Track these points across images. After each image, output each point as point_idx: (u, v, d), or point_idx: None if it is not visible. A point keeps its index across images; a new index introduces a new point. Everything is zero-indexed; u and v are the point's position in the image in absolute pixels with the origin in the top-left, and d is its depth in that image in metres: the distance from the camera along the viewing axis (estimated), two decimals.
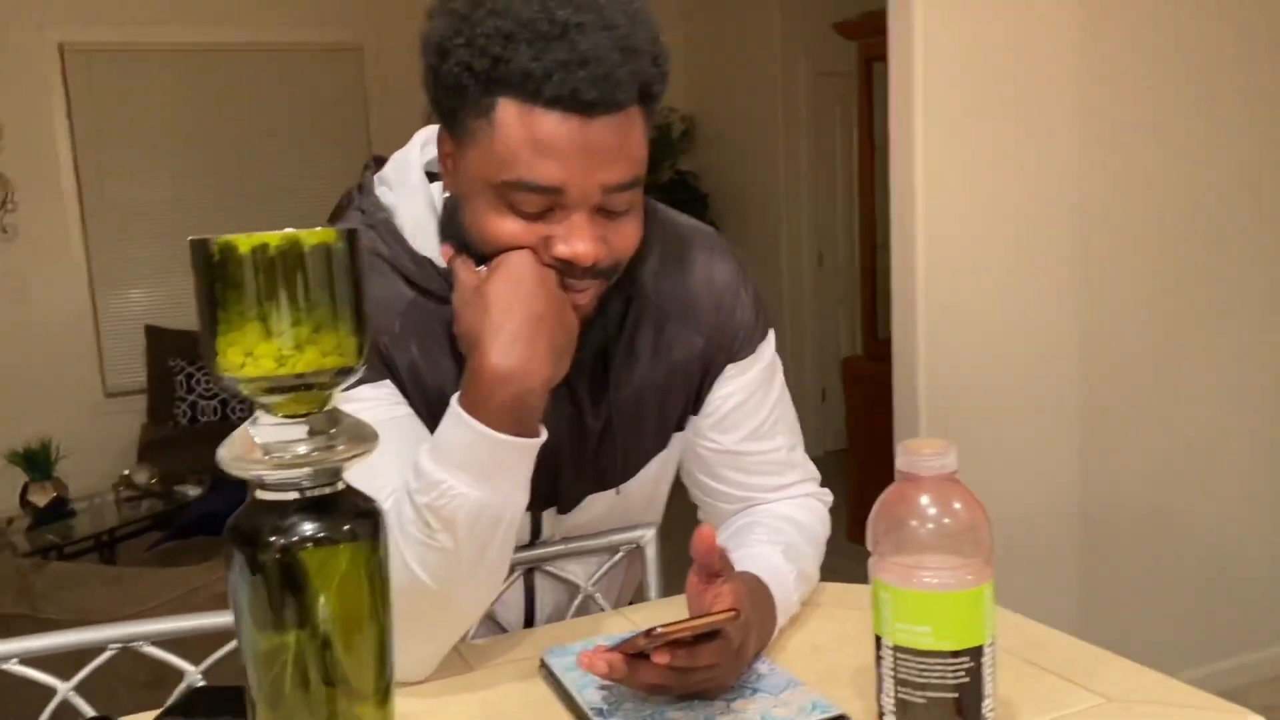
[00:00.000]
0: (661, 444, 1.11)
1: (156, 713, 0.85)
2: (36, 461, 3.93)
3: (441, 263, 0.98)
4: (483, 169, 0.89)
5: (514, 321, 0.88)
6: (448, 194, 0.98)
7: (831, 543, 1.16)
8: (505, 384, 0.87)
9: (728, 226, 5.54)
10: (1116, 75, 2.63)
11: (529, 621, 1.18)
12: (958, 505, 0.76)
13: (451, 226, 0.97)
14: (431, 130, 1.03)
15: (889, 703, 0.78)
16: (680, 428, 1.12)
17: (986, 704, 0.77)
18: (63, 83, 4.90)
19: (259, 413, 0.62)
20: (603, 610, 1.18)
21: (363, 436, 0.64)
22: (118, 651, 1.01)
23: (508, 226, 0.90)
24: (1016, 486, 2.68)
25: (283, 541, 0.62)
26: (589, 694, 0.89)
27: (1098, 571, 2.79)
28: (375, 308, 0.97)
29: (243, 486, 0.64)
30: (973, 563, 0.76)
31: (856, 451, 4.37)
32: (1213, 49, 2.72)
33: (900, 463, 0.77)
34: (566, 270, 0.91)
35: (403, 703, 0.89)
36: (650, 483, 1.14)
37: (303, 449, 0.61)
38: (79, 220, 4.98)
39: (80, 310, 5.01)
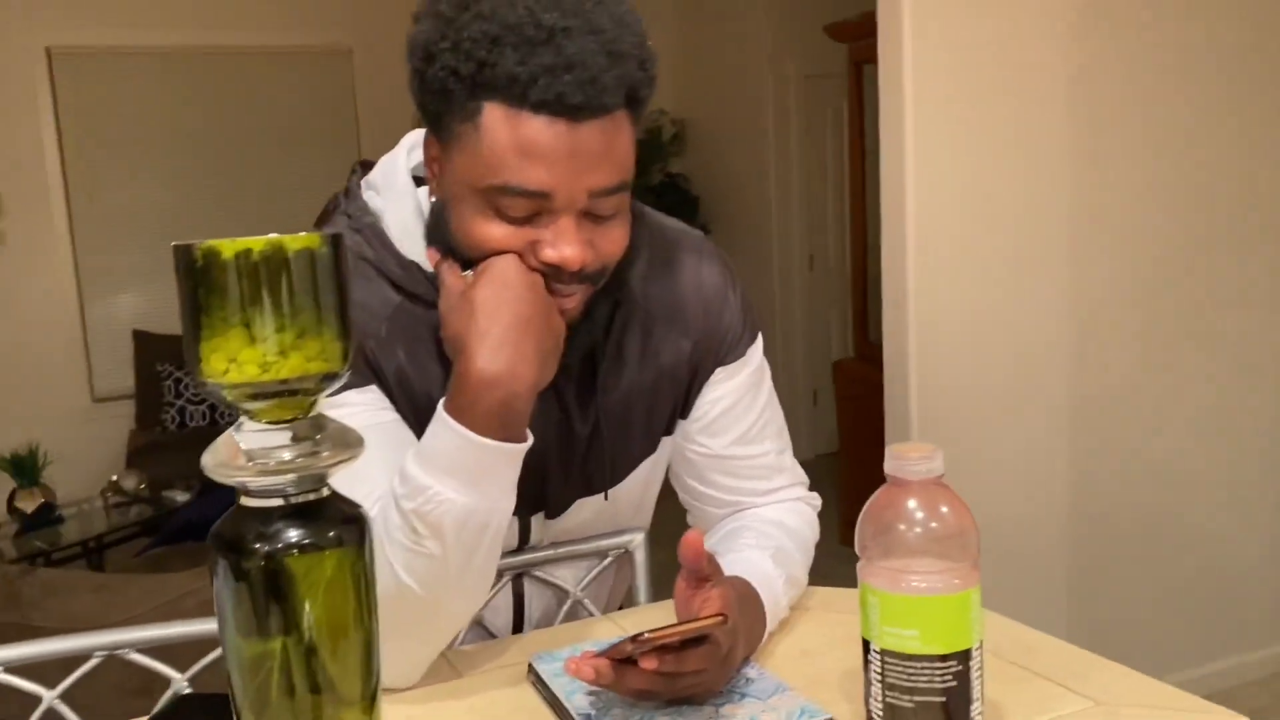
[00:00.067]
0: (650, 448, 1.11)
1: None
2: (24, 467, 3.92)
3: (428, 267, 0.98)
4: (469, 173, 0.89)
5: (500, 326, 0.88)
6: (434, 198, 0.98)
7: (822, 546, 1.16)
8: (492, 389, 0.87)
9: (718, 229, 5.54)
10: (1106, 78, 2.63)
11: (518, 627, 1.18)
12: (945, 509, 0.76)
13: (438, 231, 0.96)
14: (419, 134, 1.03)
15: (877, 707, 0.78)
16: (669, 432, 1.12)
17: (975, 708, 0.77)
18: (50, 86, 4.89)
19: (243, 419, 0.62)
20: (592, 615, 1.18)
21: (348, 442, 0.64)
22: (106, 659, 1.00)
23: (494, 231, 0.90)
24: (1007, 489, 2.68)
25: (267, 548, 0.62)
26: (577, 700, 0.88)
27: (1087, 574, 2.80)
28: (362, 312, 0.97)
29: (232, 492, 0.63)
30: (960, 567, 0.76)
31: (848, 454, 4.37)
32: (1203, 52, 2.73)
33: (888, 467, 0.77)
34: (553, 275, 0.91)
35: (390, 709, 0.89)
36: (639, 487, 1.14)
37: (287, 455, 0.61)
38: (66, 224, 4.96)
39: (68, 315, 4.99)
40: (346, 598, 0.65)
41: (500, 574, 1.11)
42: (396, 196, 1.02)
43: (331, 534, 0.63)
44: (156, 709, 0.87)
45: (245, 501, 0.63)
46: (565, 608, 1.18)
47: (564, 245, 0.89)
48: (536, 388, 0.90)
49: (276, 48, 5.25)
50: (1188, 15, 2.70)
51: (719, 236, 5.34)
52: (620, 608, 1.25)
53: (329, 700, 0.65)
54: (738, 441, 1.11)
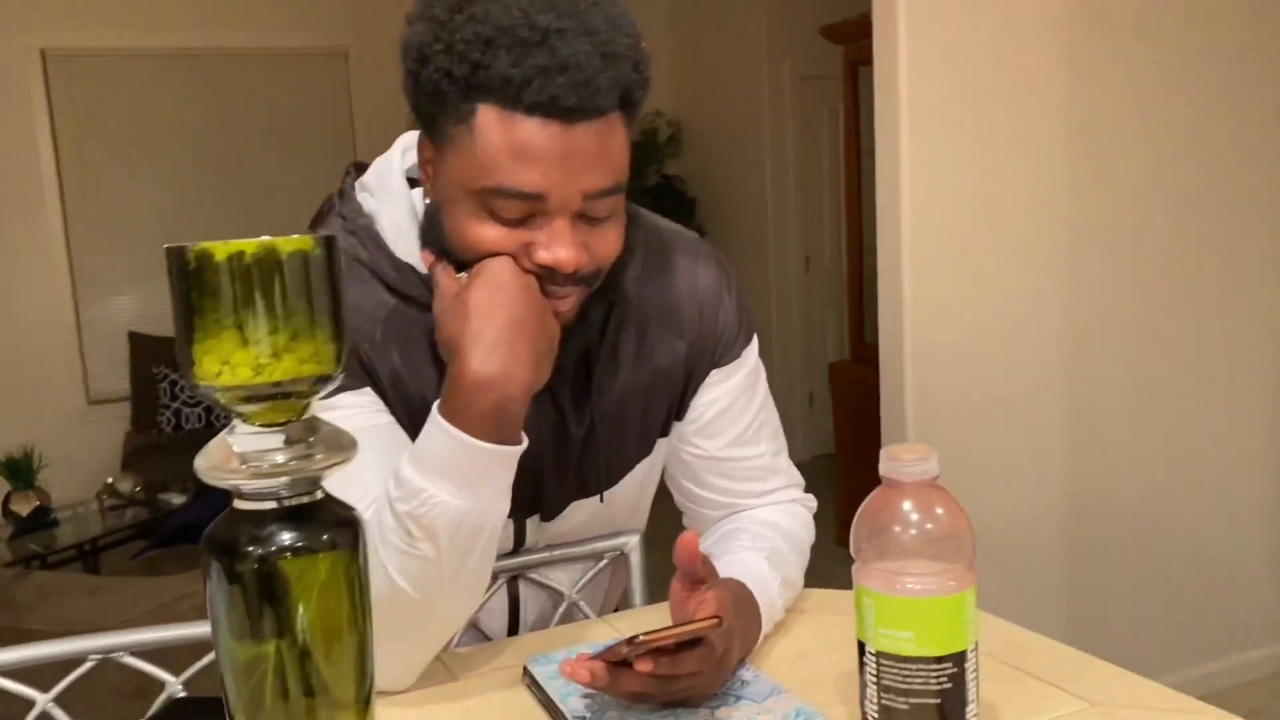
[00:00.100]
0: (645, 450, 1.11)
1: None
2: (19, 470, 3.91)
3: (423, 269, 0.98)
4: (463, 175, 0.89)
5: (494, 328, 0.88)
6: (429, 200, 0.97)
7: (819, 548, 1.16)
8: (486, 391, 0.87)
9: (714, 230, 5.54)
10: (1102, 78, 2.64)
11: (513, 629, 1.18)
12: (940, 511, 0.76)
13: (432, 232, 0.96)
14: (413, 136, 1.02)
15: (872, 709, 0.78)
16: (664, 434, 1.11)
17: (970, 709, 0.77)
18: (45, 88, 4.88)
19: (236, 421, 0.62)
20: (587, 618, 1.18)
21: (341, 445, 0.63)
22: (101, 663, 1.00)
23: (488, 233, 0.90)
24: (1003, 490, 2.68)
25: (261, 551, 0.61)
26: (572, 703, 0.88)
27: (1083, 576, 2.80)
28: (356, 314, 0.97)
29: (228, 495, 0.63)
30: (955, 568, 0.76)
31: (844, 456, 4.37)
32: (1200, 52, 2.73)
33: (883, 469, 0.77)
34: (548, 277, 0.91)
35: (384, 712, 0.88)
36: (634, 489, 1.14)
37: (280, 458, 0.61)
38: (61, 226, 4.95)
39: (63, 317, 4.98)
40: (340, 601, 0.64)
41: (495, 576, 1.11)
42: (391, 198, 1.02)
43: (325, 537, 0.63)
44: (151, 712, 0.87)
45: (239, 504, 0.62)
46: (560, 610, 1.18)
47: (558, 247, 0.89)
48: (531, 390, 0.90)
49: (271, 49, 5.24)
50: (1186, 16, 2.70)
51: (715, 238, 5.34)
52: (616, 610, 1.25)
53: (323, 703, 0.64)
54: (733, 443, 1.11)
